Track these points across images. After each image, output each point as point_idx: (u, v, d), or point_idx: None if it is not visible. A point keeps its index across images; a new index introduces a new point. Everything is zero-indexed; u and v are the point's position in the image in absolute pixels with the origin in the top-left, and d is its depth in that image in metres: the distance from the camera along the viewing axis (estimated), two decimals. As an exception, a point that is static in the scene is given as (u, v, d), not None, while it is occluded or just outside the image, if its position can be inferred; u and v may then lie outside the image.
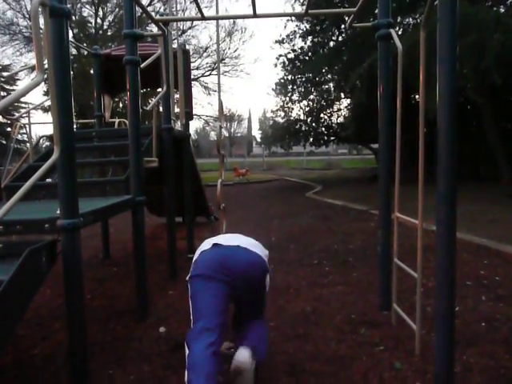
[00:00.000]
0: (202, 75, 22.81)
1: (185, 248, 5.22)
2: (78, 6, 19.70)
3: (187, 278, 2.20)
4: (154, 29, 14.75)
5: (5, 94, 18.01)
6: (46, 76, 1.98)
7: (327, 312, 3.24)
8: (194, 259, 2.26)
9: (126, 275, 4.39)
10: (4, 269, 1.87)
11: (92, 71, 6.56)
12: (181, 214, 6.61)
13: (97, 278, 4.35)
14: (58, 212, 2.13)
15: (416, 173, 2.46)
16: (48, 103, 16.25)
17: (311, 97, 16.99)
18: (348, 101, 17.12)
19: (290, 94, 17.23)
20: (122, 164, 4.44)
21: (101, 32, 20.47)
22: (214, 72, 22.19)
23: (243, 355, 1.97)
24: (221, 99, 3.93)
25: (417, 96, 13.44)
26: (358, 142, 19.50)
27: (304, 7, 3.26)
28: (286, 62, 15.85)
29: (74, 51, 17.32)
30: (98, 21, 20.60)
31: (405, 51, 2.72)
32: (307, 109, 17.61)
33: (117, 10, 20.00)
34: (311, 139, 18.59)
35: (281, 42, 15.75)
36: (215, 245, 2.20)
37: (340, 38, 13.96)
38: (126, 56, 3.15)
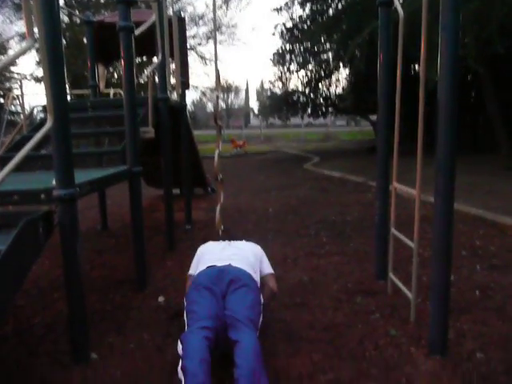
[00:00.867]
0: (199, 44, 22.35)
1: (182, 220, 5.23)
2: (70, -30, 19.05)
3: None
4: (148, -4, 14.31)
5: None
6: (37, 44, 1.93)
7: (324, 281, 3.28)
8: (194, 277, 2.47)
9: (124, 246, 4.41)
10: (1, 239, 1.86)
11: (85, 40, 6.40)
12: (178, 185, 6.61)
13: (95, 249, 4.37)
14: (54, 182, 2.11)
15: (415, 145, 2.44)
16: (40, 73, 15.97)
17: (309, 67, 16.70)
18: (347, 71, 16.86)
19: (288, 64, 16.93)
20: (117, 135, 4.39)
21: (93, -2, 19.87)
22: (211, 41, 21.72)
23: None
24: (218, 68, 3.86)
25: (417, 66, 13.25)
26: (356, 114, 19.36)
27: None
28: (284, 31, 15.51)
29: (65, 19, 16.85)
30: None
31: (406, 19, 2.65)
32: (305, 79, 17.36)
33: (109, -25, 19.37)
34: (309, 110, 18.41)
35: (279, 9, 15.36)
36: (211, 266, 2.41)
37: (339, 6, 13.60)
38: (120, 22, 3.06)
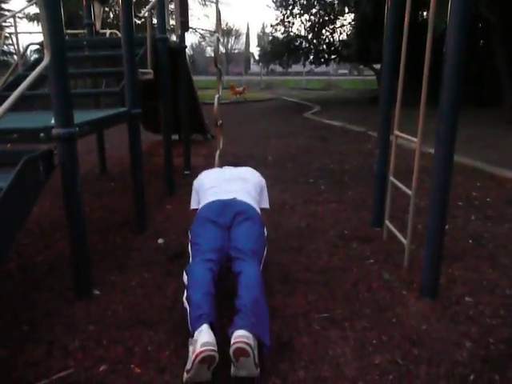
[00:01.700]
0: (198, -16, 21.29)
1: (181, 165, 5.23)
2: None
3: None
4: None
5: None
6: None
7: (321, 227, 3.34)
8: (198, 210, 2.42)
9: (124, 189, 4.43)
10: (2, 177, 1.87)
11: (80, -26, 6.08)
12: (177, 131, 6.54)
13: (94, 192, 4.40)
14: (53, 122, 2.08)
15: (417, 96, 2.40)
16: (33, 11, 15.33)
17: (313, 10, 16.10)
18: (352, 16, 16.27)
19: (290, 7, 16.32)
20: (115, 76, 4.29)
21: None
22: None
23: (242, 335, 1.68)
24: (218, 7, 3.71)
25: (425, 13, 12.76)
26: (360, 62, 18.80)
27: None
28: (288, -29, 14.79)
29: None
30: None
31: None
32: (308, 24, 16.77)
33: None
34: (311, 57, 17.93)
35: None
36: (215, 199, 2.36)
37: None
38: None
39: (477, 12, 7.74)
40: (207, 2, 21.51)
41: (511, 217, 3.49)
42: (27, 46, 4.19)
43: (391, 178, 2.89)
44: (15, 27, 5.24)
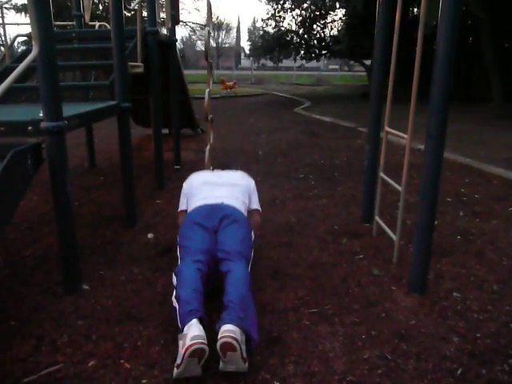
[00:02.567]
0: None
1: (171, 159, 5.20)
2: None
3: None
4: None
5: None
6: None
7: (311, 223, 3.35)
8: (187, 214, 2.46)
9: (113, 184, 4.40)
10: (-11, 170, 1.84)
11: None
12: (167, 125, 6.49)
13: (83, 187, 4.36)
14: (41, 115, 2.05)
15: (408, 92, 2.41)
16: (21, 1, 15.06)
17: (304, 5, 16.07)
18: (343, 11, 16.26)
19: (282, 2, 16.26)
20: (104, 69, 4.24)
21: None
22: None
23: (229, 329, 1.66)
24: (209, 1, 3.67)
25: (415, 9, 12.81)
26: (350, 57, 18.85)
27: None
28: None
29: None
30: None
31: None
32: (299, 18, 16.75)
33: None
34: (302, 52, 17.90)
35: None
36: (202, 204, 2.40)
37: None
38: None
39: (466, 9, 7.79)
40: (198, -5, 21.36)
41: (499, 213, 3.54)
42: (15, 38, 4.12)
43: (381, 174, 2.91)
44: (2, 18, 5.14)
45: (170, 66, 4.86)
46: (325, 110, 11.27)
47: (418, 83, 2.27)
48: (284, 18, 17.25)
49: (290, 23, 17.20)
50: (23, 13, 16.81)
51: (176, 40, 4.99)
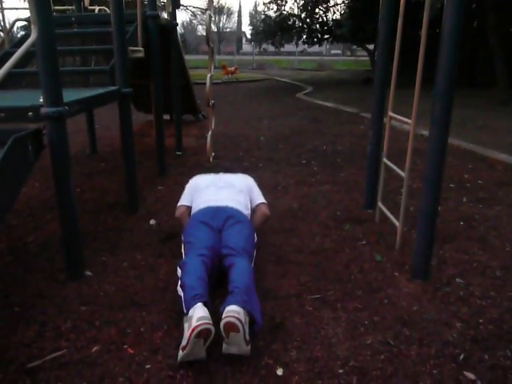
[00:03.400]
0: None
1: (173, 146, 5.17)
2: None
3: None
4: None
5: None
6: None
7: (313, 209, 3.34)
8: (191, 215, 2.50)
9: (115, 170, 4.39)
10: (-10, 156, 1.83)
11: None
12: (168, 111, 6.45)
13: (85, 173, 4.34)
14: (41, 100, 2.03)
15: (412, 76, 2.37)
16: (20, -15, 14.85)
17: (307, -12, 15.80)
18: (346, -5, 16.01)
19: (284, -15, 15.97)
20: (104, 54, 4.19)
21: None
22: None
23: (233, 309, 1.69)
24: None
25: (419, -8, 12.57)
26: (353, 42, 18.59)
27: None
28: None
29: None
30: None
31: None
32: (302, 2, 16.51)
33: None
34: (304, 37, 17.68)
35: None
36: (207, 206, 2.44)
37: None
38: None
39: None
40: (198, -22, 21.05)
41: (502, 199, 3.52)
42: (14, 22, 4.07)
43: (384, 160, 2.88)
44: (1, 3, 5.07)
45: (170, 51, 4.80)
46: (327, 95, 11.17)
47: (424, 68, 2.23)
48: (286, 2, 17.03)
49: (292, 7, 17.07)
50: (22, -3, 16.61)
51: (177, 24, 4.92)
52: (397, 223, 2.63)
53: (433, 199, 2.17)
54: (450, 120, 2.03)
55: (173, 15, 4.80)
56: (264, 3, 17.96)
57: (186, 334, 1.61)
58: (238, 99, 11.01)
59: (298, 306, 2.06)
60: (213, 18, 3.80)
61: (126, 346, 1.77)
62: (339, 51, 43.40)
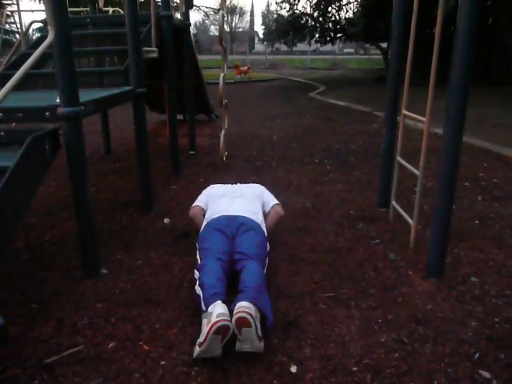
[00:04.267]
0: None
1: (186, 145, 5.21)
2: None
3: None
4: None
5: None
6: None
7: (327, 208, 3.33)
8: (205, 223, 2.49)
9: (129, 170, 4.43)
10: (8, 156, 1.87)
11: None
12: (181, 111, 6.49)
13: (100, 173, 4.40)
14: (58, 100, 2.07)
15: (425, 74, 2.36)
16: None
17: (319, -13, 15.74)
18: (359, -7, 15.91)
19: (296, -16, 15.93)
20: (119, 55, 4.24)
21: None
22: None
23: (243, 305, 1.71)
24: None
25: (433, -11, 12.43)
26: (366, 40, 18.46)
27: None
28: None
29: None
30: None
31: None
32: (314, 1, 16.43)
33: None
34: (317, 36, 17.63)
35: None
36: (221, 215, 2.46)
37: None
38: None
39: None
40: (211, -21, 21.10)
41: (518, 197, 3.47)
42: (30, 24, 4.14)
43: (398, 158, 2.87)
44: (18, 5, 5.16)
45: (184, 51, 4.83)
46: (340, 94, 11.12)
47: (438, 66, 2.21)
48: (298, 1, 17.07)
49: (305, 6, 17.05)
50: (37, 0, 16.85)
51: (190, 24, 4.95)
52: (411, 222, 2.62)
53: (447, 197, 2.15)
54: (465, 118, 2.02)
55: (186, 15, 4.83)
56: (276, 2, 17.97)
57: (205, 329, 1.63)
58: (250, 98, 11.03)
59: (311, 303, 2.07)
60: (225, 18, 3.82)
61: (141, 343, 1.80)
62: (352, 50, 43.16)
